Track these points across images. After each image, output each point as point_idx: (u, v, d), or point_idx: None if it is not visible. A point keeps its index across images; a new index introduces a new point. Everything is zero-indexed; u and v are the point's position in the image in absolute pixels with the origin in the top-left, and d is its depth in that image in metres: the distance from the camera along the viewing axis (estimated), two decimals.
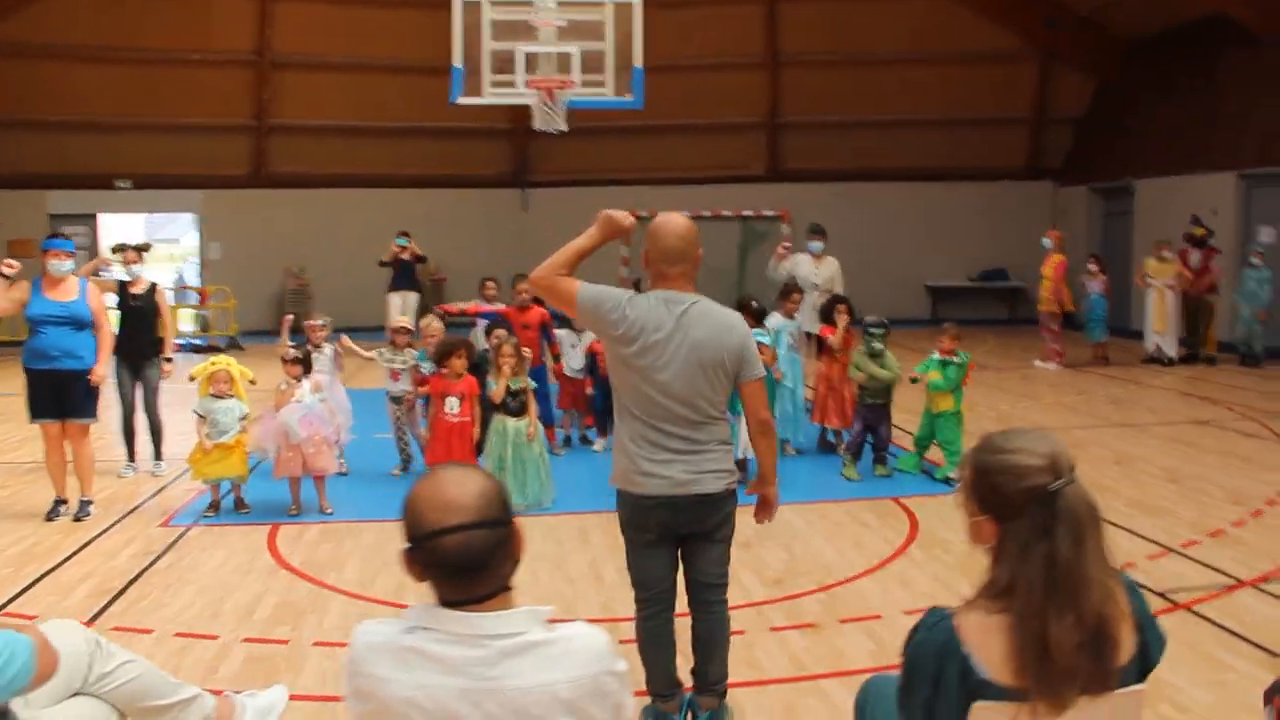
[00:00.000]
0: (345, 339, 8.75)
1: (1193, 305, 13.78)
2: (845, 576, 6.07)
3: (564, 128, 11.68)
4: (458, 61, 11.64)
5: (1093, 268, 14.38)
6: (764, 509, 4.20)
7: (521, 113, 19.63)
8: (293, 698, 4.33)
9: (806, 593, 5.82)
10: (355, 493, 7.93)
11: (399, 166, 19.72)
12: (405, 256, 15.54)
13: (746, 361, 3.98)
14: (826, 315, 9.05)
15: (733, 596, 4.27)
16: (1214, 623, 5.21)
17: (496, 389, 7.49)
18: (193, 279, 20.36)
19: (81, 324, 7.23)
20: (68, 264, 7.23)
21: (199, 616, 5.50)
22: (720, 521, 4.03)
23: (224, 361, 7.49)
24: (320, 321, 8.60)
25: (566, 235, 17.63)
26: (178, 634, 5.24)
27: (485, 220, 20.11)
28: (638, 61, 11.83)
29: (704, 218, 20.81)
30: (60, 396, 7.17)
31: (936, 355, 8.34)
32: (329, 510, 7.41)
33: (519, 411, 7.51)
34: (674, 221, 4.10)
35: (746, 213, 20.73)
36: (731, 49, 19.44)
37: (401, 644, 2.12)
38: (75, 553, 6.57)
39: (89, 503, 7.42)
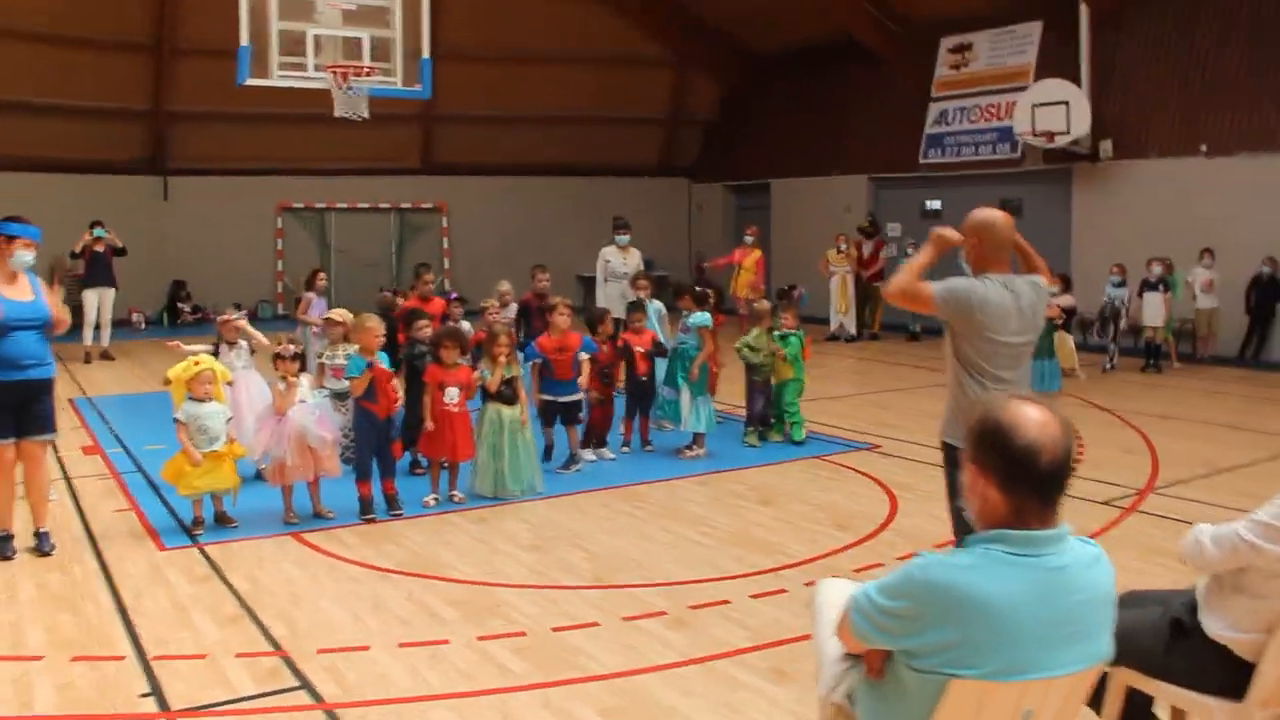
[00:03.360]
0: (245, 323, 8.08)
1: (863, 290, 16.20)
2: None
3: (365, 115, 11.33)
4: (245, 39, 10.88)
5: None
6: None
7: (163, 93, 18.19)
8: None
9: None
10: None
11: (21, 148, 17.23)
12: (99, 248, 13.87)
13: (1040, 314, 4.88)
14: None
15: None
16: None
17: (493, 378, 7.47)
18: None
19: (45, 326, 6.23)
20: (32, 257, 6.18)
21: (416, 628, 5.24)
22: None
23: (207, 361, 6.78)
24: (236, 315, 7.92)
25: (214, 227, 17.94)
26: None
27: (121, 210, 18.02)
28: (426, 51, 11.81)
29: (361, 209, 20.50)
30: (23, 411, 6.12)
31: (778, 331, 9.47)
32: (330, 515, 6.99)
33: (512, 399, 7.55)
34: (1000, 216, 4.76)
35: (404, 204, 20.64)
36: None
37: None
38: (115, 589, 5.74)
39: (48, 534, 6.38)
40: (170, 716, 4.25)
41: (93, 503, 7.46)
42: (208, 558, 6.25)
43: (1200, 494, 7.64)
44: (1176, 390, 12.08)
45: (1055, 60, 15.34)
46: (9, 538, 6.26)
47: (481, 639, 5.03)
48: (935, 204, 17.47)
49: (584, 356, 8.22)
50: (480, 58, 20.07)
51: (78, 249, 13.90)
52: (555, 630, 5.15)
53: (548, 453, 8.39)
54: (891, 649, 2.48)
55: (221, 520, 6.83)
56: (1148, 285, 13.05)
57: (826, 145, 18.93)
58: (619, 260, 11.59)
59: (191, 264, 19.07)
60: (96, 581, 5.85)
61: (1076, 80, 14.62)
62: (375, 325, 7.13)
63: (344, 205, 20.27)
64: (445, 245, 20.89)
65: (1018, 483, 2.31)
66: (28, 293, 6.15)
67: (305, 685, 4.53)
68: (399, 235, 20.62)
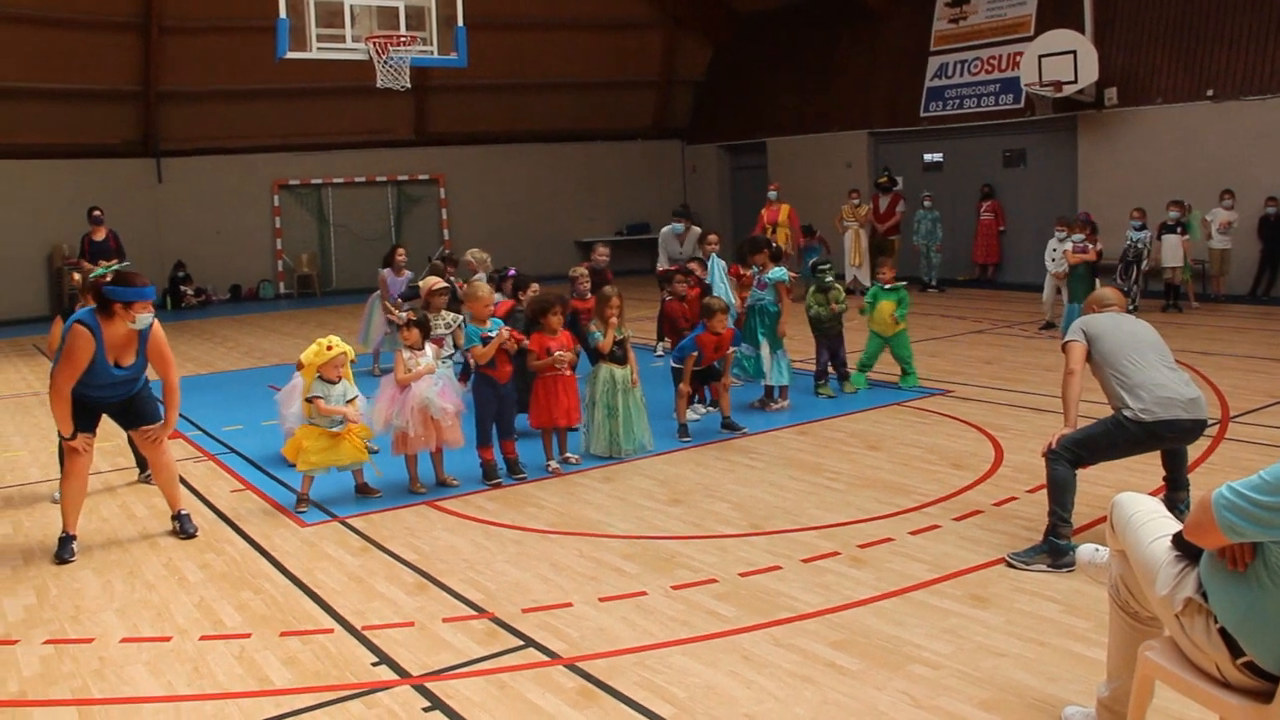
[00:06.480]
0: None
1: (878, 243, 16.40)
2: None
3: (407, 84, 11.26)
4: (282, 12, 10.74)
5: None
6: None
7: (152, 73, 17.83)
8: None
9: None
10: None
11: (8, 134, 16.87)
12: (98, 236, 13.75)
13: None
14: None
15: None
16: None
17: (605, 339, 7.54)
18: None
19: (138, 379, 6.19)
20: (151, 316, 5.98)
21: (606, 583, 5.33)
22: None
23: (340, 344, 6.75)
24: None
25: (210, 207, 18.25)
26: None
27: (115, 194, 17.83)
28: (460, 19, 11.75)
29: (358, 183, 20.31)
30: (121, 414, 6.19)
31: (881, 286, 9.66)
32: (455, 482, 7.05)
33: (623, 360, 7.64)
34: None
35: (401, 177, 20.48)
36: None
37: None
38: (282, 566, 5.77)
39: (189, 515, 6.38)
40: (418, 681, 4.31)
41: (204, 485, 7.44)
42: (355, 530, 6.29)
43: (1278, 420, 7.96)
44: (1201, 328, 12.42)
45: (1056, 10, 15.57)
46: (70, 539, 6.08)
47: (677, 588, 5.15)
48: (936, 156, 17.70)
49: (732, 350, 8.34)
50: (470, 26, 19.89)
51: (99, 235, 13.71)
52: (743, 575, 5.28)
53: (682, 430, 8.19)
54: (1270, 540, 2.73)
55: (363, 491, 6.88)
56: (1166, 228, 13.38)
57: (822, 101, 19.06)
58: (675, 247, 11.64)
59: (189, 246, 18.81)
60: (257, 559, 5.87)
61: (1078, 29, 14.86)
62: (487, 295, 7.17)
63: (340, 180, 20.08)
64: (444, 216, 20.77)
65: None
66: (131, 352, 5.98)
67: (531, 643, 4.61)
68: (397, 208, 20.49)
